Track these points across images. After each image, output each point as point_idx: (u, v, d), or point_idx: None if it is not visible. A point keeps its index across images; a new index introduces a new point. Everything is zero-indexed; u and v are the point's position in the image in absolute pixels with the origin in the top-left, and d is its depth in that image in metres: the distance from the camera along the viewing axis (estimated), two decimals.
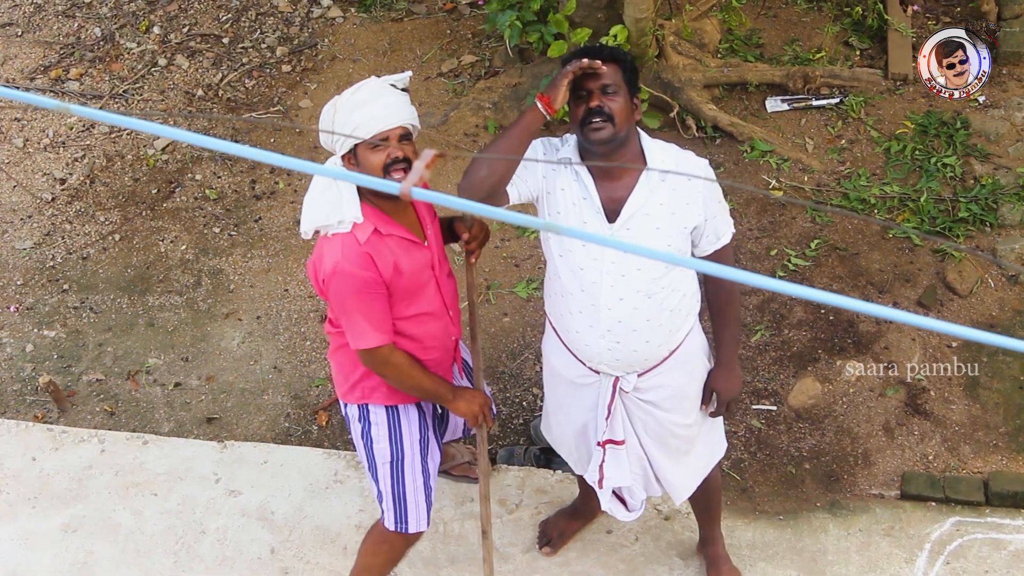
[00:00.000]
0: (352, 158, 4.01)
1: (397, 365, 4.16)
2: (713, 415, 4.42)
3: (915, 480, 5.29)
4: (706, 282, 4.29)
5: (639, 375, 4.22)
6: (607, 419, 4.30)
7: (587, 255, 4.03)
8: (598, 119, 3.89)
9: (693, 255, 4.17)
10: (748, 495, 5.33)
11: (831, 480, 5.36)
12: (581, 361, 4.25)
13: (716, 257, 4.16)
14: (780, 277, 6.03)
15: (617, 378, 4.22)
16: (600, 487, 4.49)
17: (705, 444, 4.51)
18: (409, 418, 4.41)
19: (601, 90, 3.90)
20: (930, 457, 5.42)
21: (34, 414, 5.93)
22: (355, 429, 4.46)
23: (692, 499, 4.77)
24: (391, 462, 4.41)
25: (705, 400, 4.40)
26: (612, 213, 3.99)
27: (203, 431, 5.80)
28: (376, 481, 4.48)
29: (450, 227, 4.40)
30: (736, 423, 5.57)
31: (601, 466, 4.43)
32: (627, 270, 4.00)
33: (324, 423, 5.77)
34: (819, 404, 5.63)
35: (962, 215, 6.27)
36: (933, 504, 5.23)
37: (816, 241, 6.27)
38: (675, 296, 4.10)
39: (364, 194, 4.01)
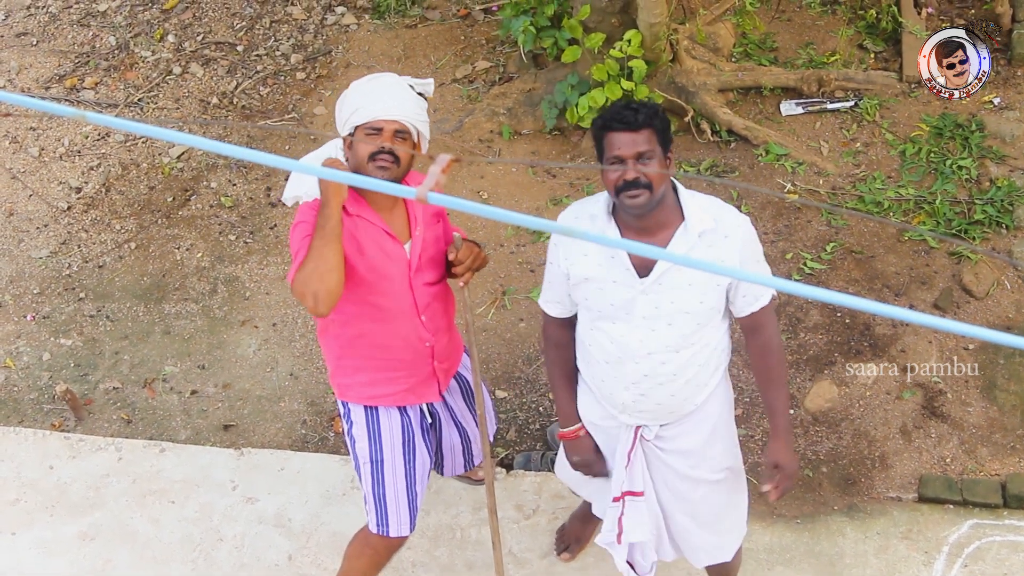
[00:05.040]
0: (351, 142, 3.99)
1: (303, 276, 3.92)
2: (777, 491, 4.15)
3: (932, 483, 5.27)
4: (751, 346, 4.09)
5: (661, 425, 4.10)
6: (627, 467, 4.17)
7: (618, 309, 3.89)
8: (635, 189, 3.70)
9: (730, 312, 4.02)
10: (765, 499, 5.31)
11: (848, 483, 5.35)
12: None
13: (754, 320, 3.99)
14: (796, 280, 6.02)
15: (639, 427, 4.11)
16: (619, 542, 4.31)
17: (732, 514, 4.37)
18: (391, 420, 4.39)
19: (636, 158, 3.69)
20: (947, 460, 5.40)
21: (51, 423, 5.94)
22: (344, 425, 4.50)
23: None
24: (371, 463, 4.41)
25: (767, 478, 4.18)
26: (644, 269, 3.83)
27: (220, 438, 5.81)
28: (360, 480, 4.50)
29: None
30: (753, 427, 5.56)
31: (620, 519, 4.26)
32: (657, 325, 3.86)
33: (341, 430, 5.77)
34: (836, 407, 5.62)
35: (978, 217, 6.25)
36: (951, 507, 5.22)
37: (832, 244, 6.25)
38: (705, 351, 3.96)
39: None
